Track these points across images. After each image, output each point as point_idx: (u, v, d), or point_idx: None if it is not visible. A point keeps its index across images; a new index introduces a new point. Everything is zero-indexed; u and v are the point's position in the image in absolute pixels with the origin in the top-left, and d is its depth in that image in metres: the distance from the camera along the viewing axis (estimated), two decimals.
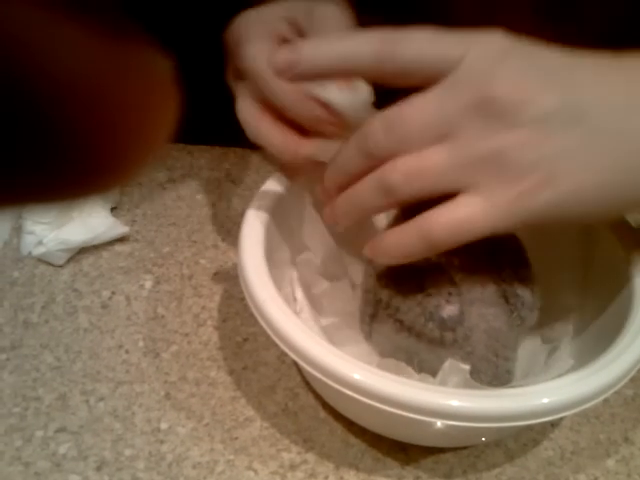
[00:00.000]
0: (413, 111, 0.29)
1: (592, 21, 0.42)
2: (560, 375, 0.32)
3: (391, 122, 0.30)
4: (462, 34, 0.30)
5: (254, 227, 0.38)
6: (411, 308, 0.35)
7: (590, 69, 0.30)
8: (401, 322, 0.36)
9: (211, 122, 0.62)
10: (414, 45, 0.29)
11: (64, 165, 0.15)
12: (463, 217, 0.29)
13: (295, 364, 0.41)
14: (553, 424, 0.39)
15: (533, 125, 0.28)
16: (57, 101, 0.14)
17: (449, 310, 0.34)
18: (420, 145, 0.29)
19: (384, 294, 0.36)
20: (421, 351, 0.35)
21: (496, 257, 0.36)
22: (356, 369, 0.30)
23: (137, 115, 0.17)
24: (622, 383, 0.31)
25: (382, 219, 0.41)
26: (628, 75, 0.30)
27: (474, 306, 0.34)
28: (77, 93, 0.14)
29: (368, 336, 0.39)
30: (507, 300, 0.35)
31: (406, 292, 0.35)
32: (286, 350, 0.32)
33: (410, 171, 0.29)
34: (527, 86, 0.28)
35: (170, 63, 0.17)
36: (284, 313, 0.33)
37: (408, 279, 0.35)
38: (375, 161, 0.30)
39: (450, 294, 0.34)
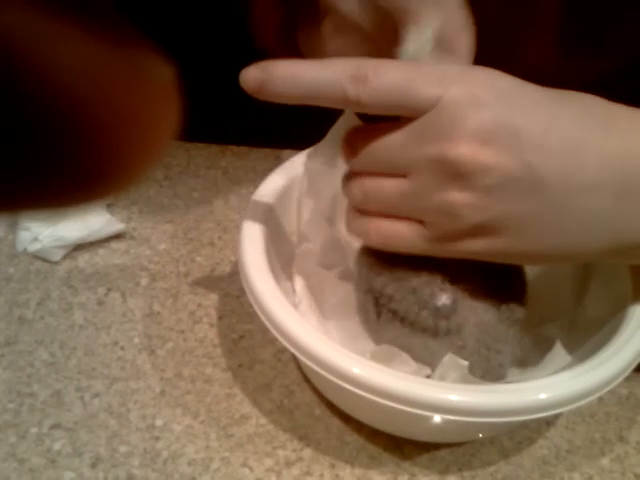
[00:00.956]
0: (381, 143, 0.31)
1: (615, 46, 0.41)
2: (557, 371, 0.32)
3: (363, 145, 0.31)
4: (443, 70, 0.29)
5: (254, 221, 0.38)
6: (405, 297, 0.35)
7: (565, 135, 0.28)
8: (394, 312, 0.36)
9: (209, 119, 0.62)
10: (388, 81, 0.29)
11: (63, 171, 0.15)
12: (397, 234, 0.32)
13: (292, 361, 0.41)
14: (548, 422, 0.39)
15: (486, 192, 0.28)
16: (55, 106, 0.14)
17: (443, 298, 0.34)
18: (383, 171, 0.31)
19: (377, 283, 0.36)
20: (415, 347, 0.35)
21: None
22: (355, 363, 0.30)
23: (137, 121, 0.16)
24: (618, 381, 0.31)
25: None
26: (603, 150, 0.28)
27: (464, 299, 0.34)
28: (76, 98, 0.14)
29: (368, 325, 0.39)
30: (497, 293, 0.35)
31: (399, 280, 0.35)
32: (285, 343, 0.32)
33: (369, 193, 0.32)
34: (490, 150, 0.28)
35: (171, 68, 0.17)
36: (283, 306, 0.33)
37: (401, 268, 0.35)
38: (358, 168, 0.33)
39: (444, 282, 0.34)
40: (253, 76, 0.30)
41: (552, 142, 0.28)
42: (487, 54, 0.30)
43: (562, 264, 0.38)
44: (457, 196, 0.29)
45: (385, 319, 0.36)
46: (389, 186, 0.31)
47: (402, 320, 0.35)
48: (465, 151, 0.28)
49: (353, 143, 0.32)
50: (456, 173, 0.28)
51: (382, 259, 0.37)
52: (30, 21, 0.13)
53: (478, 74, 0.29)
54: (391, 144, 0.30)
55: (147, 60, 0.17)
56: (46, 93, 0.14)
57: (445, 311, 0.34)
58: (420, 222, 0.31)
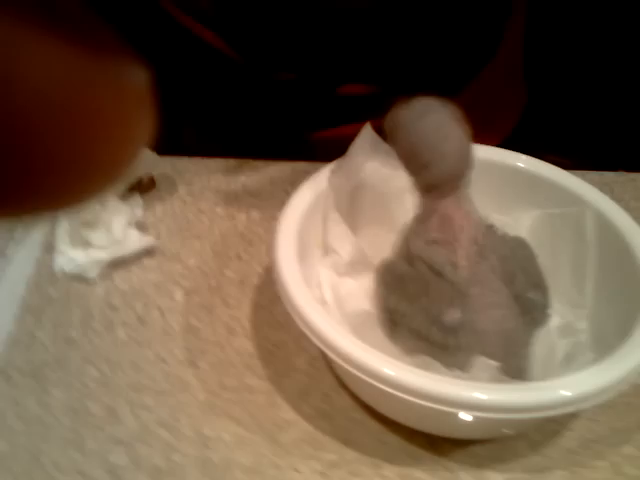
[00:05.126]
0: None
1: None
2: (580, 369, 0.35)
3: None
4: None
5: (287, 236, 0.40)
6: (416, 314, 0.37)
7: None
8: (409, 328, 0.38)
9: (222, 133, 0.64)
10: None
11: (34, 177, 0.15)
12: None
13: (327, 368, 0.43)
14: (572, 415, 0.41)
15: None
16: (27, 113, 0.14)
17: (451, 315, 0.36)
18: None
19: (392, 301, 0.39)
20: (437, 356, 0.38)
21: (508, 264, 0.38)
22: (393, 367, 0.33)
23: (110, 125, 0.16)
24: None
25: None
26: None
27: (484, 310, 0.37)
28: (49, 104, 0.14)
29: (391, 338, 0.41)
30: (519, 303, 0.38)
31: (411, 299, 0.37)
32: (325, 350, 0.34)
33: None
34: None
35: (147, 72, 0.17)
36: (323, 318, 0.35)
37: (413, 287, 0.38)
38: None
39: (453, 299, 0.36)
40: None
41: None
42: None
43: None
44: None
45: (402, 334, 0.39)
46: None
47: (417, 335, 0.38)
48: None
49: None
50: None
51: (395, 278, 0.39)
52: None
53: None
54: None
55: (121, 63, 0.16)
56: (17, 99, 0.13)
57: (453, 327, 0.36)
58: None
